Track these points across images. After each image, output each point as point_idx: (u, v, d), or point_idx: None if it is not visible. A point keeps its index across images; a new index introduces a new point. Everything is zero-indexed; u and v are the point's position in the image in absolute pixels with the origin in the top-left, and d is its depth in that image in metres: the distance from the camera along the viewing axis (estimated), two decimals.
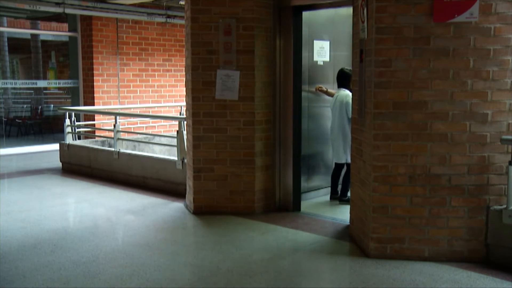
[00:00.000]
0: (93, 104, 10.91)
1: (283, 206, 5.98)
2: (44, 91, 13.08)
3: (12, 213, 5.82)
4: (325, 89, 6.52)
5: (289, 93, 5.84)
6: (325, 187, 6.72)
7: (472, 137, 4.17)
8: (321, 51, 6.54)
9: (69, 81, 11.64)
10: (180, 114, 10.29)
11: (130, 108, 11.03)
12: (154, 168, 7.13)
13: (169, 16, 11.21)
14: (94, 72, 10.94)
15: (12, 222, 5.49)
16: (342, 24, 6.55)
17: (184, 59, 6.46)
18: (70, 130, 8.75)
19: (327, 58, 6.64)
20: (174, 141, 7.13)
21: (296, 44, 5.80)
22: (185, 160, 6.49)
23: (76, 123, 9.01)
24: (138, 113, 10.61)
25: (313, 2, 5.66)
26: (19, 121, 13.01)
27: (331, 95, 6.47)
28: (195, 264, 4.37)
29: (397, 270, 4.12)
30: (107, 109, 10.61)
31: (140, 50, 11.52)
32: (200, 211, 5.77)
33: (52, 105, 13.22)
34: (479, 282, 3.89)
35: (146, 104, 11.48)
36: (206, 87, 5.68)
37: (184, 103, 6.42)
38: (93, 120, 10.39)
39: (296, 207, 5.92)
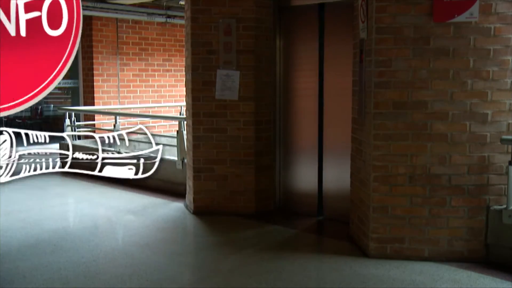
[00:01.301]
0: (93, 104, 10.89)
1: (283, 207, 5.97)
2: None
3: (12, 213, 5.82)
4: None
5: (314, 94, 5.65)
6: None
7: (472, 137, 4.17)
8: None
9: (69, 81, 11.62)
10: (180, 114, 10.27)
11: (130, 108, 11.01)
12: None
13: (169, 16, 11.20)
14: (94, 72, 10.93)
15: (12, 222, 5.49)
16: None
17: (184, 59, 6.46)
18: (70, 130, 8.74)
19: None
20: (174, 141, 7.13)
21: (321, 44, 5.58)
22: (185, 160, 6.49)
23: (76, 123, 9.00)
24: (138, 113, 10.60)
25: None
26: (19, 121, 12.99)
27: None
28: (195, 264, 4.38)
29: (397, 270, 4.12)
30: (107, 109, 10.60)
31: (140, 50, 11.50)
32: (200, 211, 5.77)
33: (52, 105, 13.20)
34: (479, 282, 3.89)
35: (146, 104, 11.46)
36: (206, 87, 5.67)
37: (184, 103, 6.42)
38: (93, 120, 10.38)
39: (320, 212, 5.71)
